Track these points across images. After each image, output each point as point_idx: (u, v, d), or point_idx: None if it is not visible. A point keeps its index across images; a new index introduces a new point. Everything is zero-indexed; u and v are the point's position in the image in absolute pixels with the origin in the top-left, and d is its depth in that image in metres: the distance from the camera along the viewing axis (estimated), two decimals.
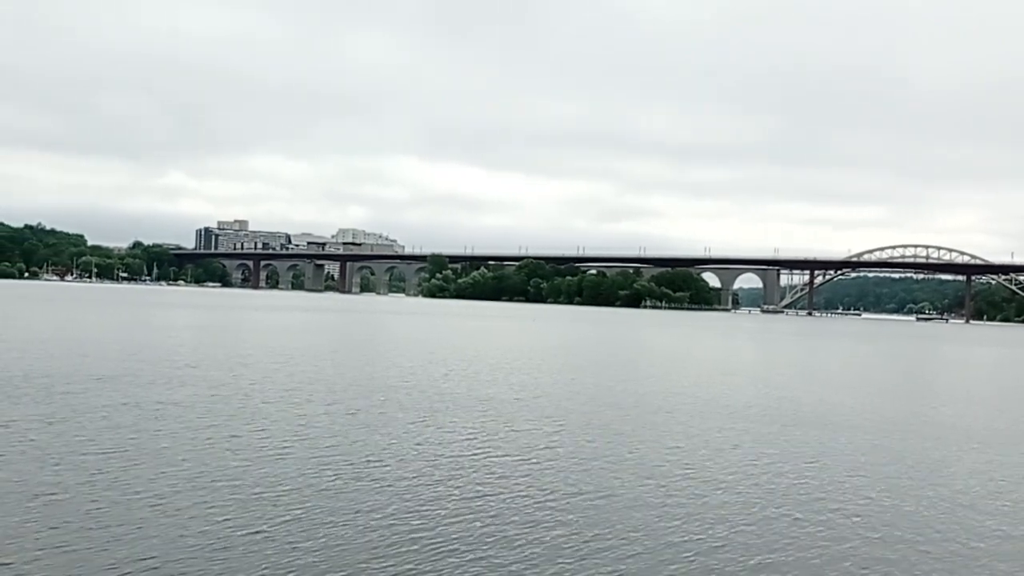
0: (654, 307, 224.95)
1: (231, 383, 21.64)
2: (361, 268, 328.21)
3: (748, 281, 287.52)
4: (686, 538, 9.69)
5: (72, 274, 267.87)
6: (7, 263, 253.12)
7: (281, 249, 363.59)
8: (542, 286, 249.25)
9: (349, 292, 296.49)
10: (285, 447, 13.63)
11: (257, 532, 9.10)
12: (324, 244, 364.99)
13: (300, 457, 12.94)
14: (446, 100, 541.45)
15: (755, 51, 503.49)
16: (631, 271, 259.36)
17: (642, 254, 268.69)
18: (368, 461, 12.90)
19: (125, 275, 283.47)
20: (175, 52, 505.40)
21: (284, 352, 33.19)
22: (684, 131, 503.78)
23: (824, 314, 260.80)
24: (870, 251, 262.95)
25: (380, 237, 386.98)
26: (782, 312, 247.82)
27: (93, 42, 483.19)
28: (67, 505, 9.71)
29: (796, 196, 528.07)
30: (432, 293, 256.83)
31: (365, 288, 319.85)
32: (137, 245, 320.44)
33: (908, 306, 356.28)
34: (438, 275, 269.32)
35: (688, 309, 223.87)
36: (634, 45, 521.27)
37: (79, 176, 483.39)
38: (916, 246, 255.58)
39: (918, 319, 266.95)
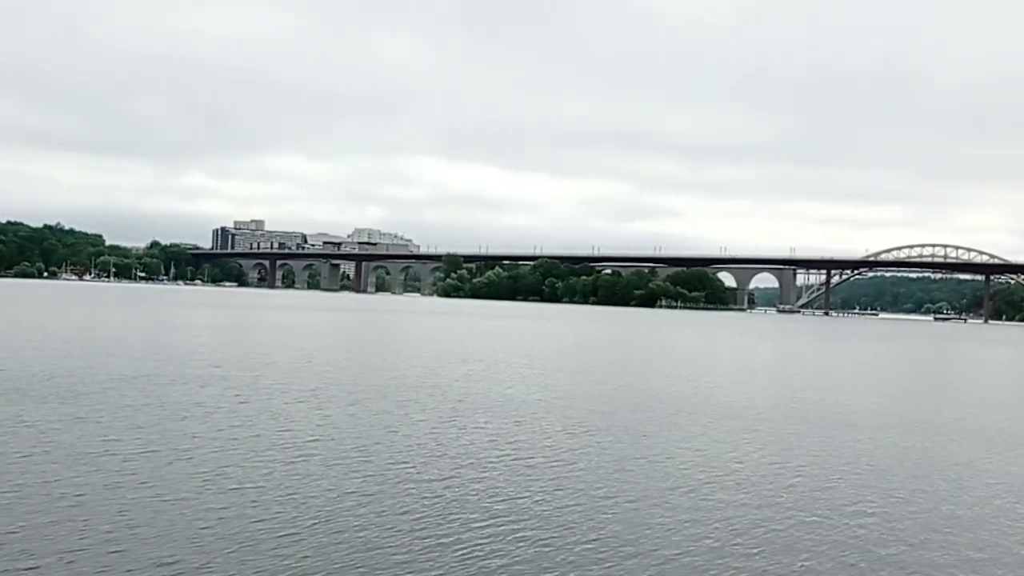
0: (669, 307, 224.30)
1: (254, 383, 21.75)
2: (376, 268, 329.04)
3: (764, 281, 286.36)
4: (719, 541, 9.64)
5: (90, 274, 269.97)
6: (27, 263, 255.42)
7: (297, 249, 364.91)
8: (557, 286, 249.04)
9: (364, 292, 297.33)
10: (310, 448, 13.68)
11: (286, 535, 9.13)
12: (340, 244, 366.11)
13: (326, 458, 12.98)
14: (468, 100, 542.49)
15: (776, 51, 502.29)
16: (646, 271, 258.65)
17: (657, 254, 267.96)
18: (394, 463, 12.93)
19: (143, 275, 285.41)
20: (199, 53, 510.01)
21: (304, 352, 33.32)
22: (704, 131, 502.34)
23: (841, 314, 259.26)
24: (887, 251, 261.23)
25: (395, 237, 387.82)
26: (798, 312, 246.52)
27: (117, 44, 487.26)
28: (93, 506, 9.77)
29: (814, 196, 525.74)
30: (447, 293, 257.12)
31: (380, 288, 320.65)
32: (155, 245, 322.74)
33: (926, 306, 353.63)
34: (453, 275, 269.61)
35: (704, 309, 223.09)
36: (658, 46, 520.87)
37: (100, 176, 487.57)
38: (934, 245, 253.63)
39: (936, 319, 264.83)
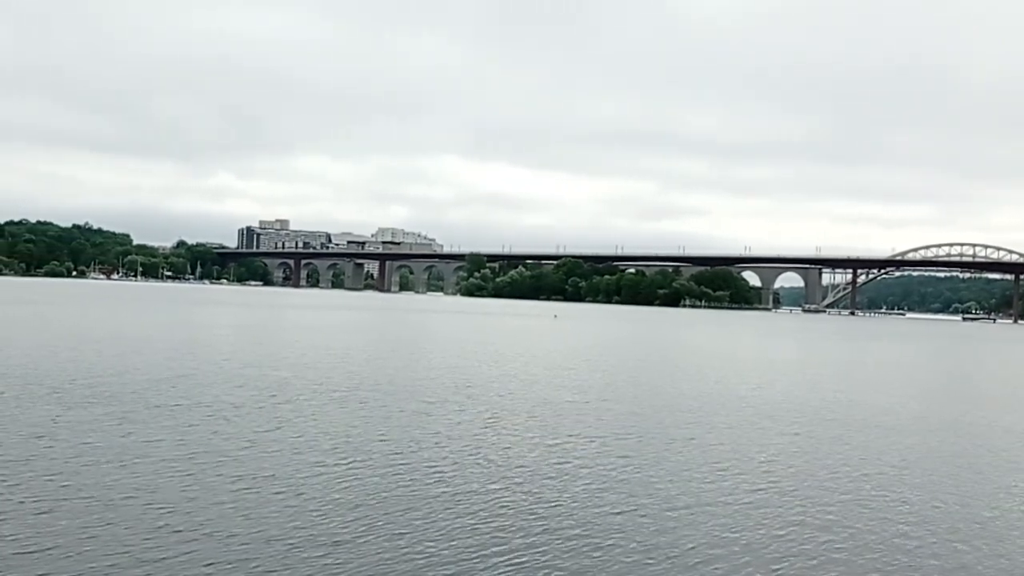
0: (693, 306, 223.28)
1: (289, 383, 21.92)
2: (400, 267, 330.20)
3: (789, 280, 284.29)
4: (758, 545, 9.64)
5: (118, 273, 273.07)
6: (56, 262, 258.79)
7: (321, 248, 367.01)
8: (580, 285, 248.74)
9: (388, 291, 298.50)
10: (350, 450, 13.78)
11: (331, 539, 9.22)
12: (364, 243, 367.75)
13: (364, 460, 13.07)
14: (494, 100, 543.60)
15: (804, 50, 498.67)
16: (670, 270, 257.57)
17: (681, 253, 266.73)
18: (433, 465, 12.98)
19: (169, 274, 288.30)
20: (226, 54, 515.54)
21: (336, 352, 33.53)
22: (730, 130, 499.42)
23: (867, 314, 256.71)
24: (914, 250, 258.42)
25: (419, 236, 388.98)
26: (824, 312, 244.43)
27: (146, 46, 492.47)
28: (133, 508, 9.92)
29: (841, 195, 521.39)
30: (470, 292, 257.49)
31: (404, 287, 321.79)
32: (181, 244, 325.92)
33: (954, 306, 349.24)
34: (476, 274, 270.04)
35: (728, 308, 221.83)
36: (684, 45, 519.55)
37: (128, 177, 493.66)
38: (962, 244, 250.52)
39: (964, 319, 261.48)
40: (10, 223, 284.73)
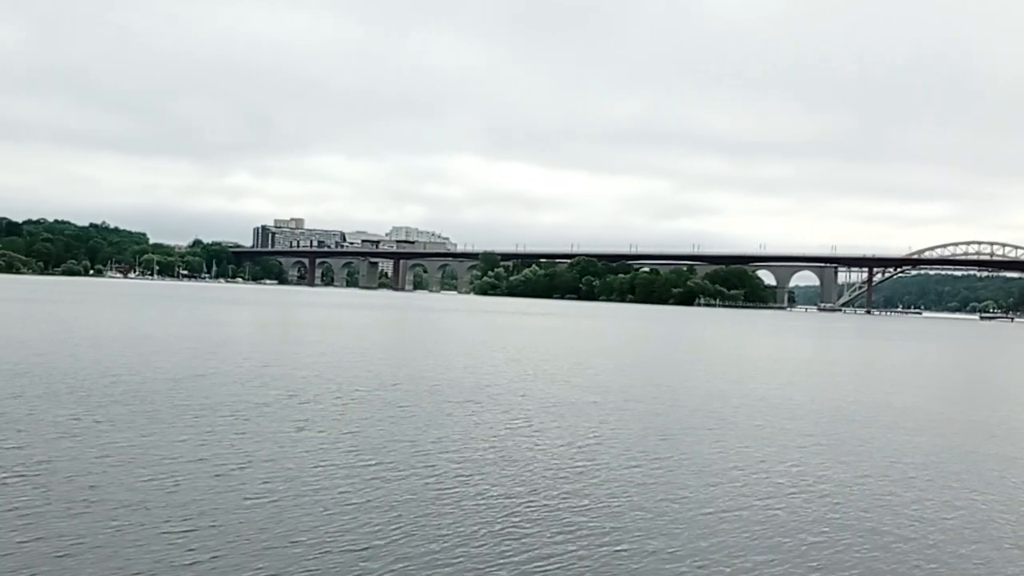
0: (708, 305, 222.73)
1: (312, 382, 21.88)
2: (414, 266, 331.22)
3: (804, 279, 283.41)
4: (786, 548, 9.52)
5: (135, 271, 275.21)
6: (73, 261, 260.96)
7: (336, 247, 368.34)
8: (594, 284, 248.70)
9: (402, 289, 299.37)
10: (373, 449, 13.72)
11: (359, 542, 9.18)
12: (378, 242, 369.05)
13: (388, 461, 13.00)
14: (511, 100, 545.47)
15: (823, 47, 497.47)
16: (684, 269, 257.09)
17: (696, 251, 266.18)
18: (458, 468, 12.90)
19: (185, 273, 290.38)
20: (244, 56, 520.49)
21: (357, 350, 33.52)
22: (748, 129, 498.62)
23: (883, 312, 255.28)
24: (931, 248, 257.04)
25: (433, 235, 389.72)
26: (839, 310, 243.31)
27: (166, 47, 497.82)
28: (164, 510, 9.90)
29: (859, 193, 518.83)
30: (484, 291, 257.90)
31: (418, 285, 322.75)
32: (197, 243, 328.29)
33: (971, 305, 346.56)
34: (489, 273, 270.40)
35: (743, 307, 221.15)
36: (703, 43, 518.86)
37: (146, 176, 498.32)
38: (980, 243, 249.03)
39: (982, 318, 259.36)
40: (28, 222, 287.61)
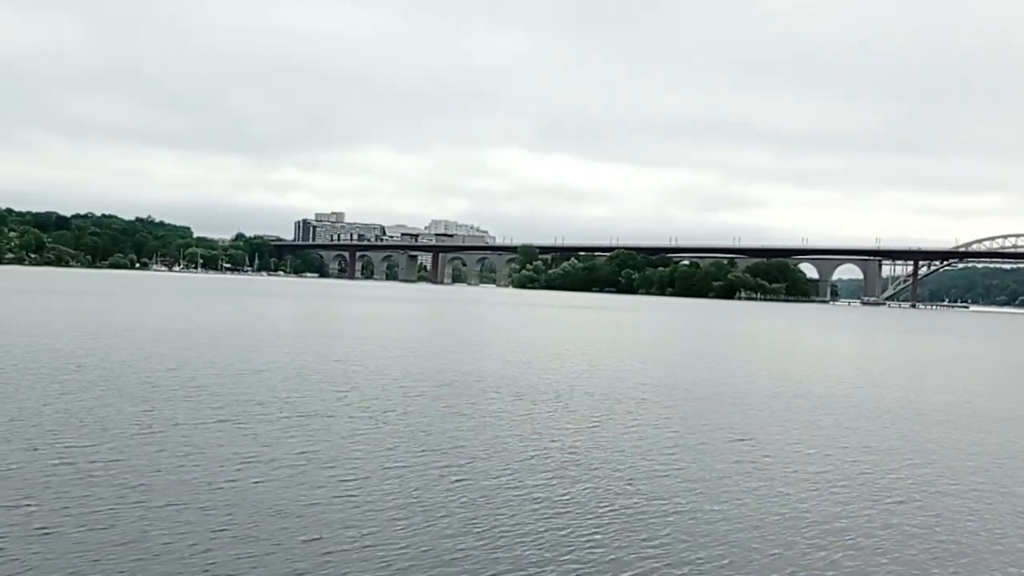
0: (748, 298, 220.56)
1: (372, 379, 22.40)
2: (453, 259, 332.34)
3: (848, 272, 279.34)
4: (830, 546, 9.71)
5: (179, 265, 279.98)
6: (119, 254, 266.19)
7: (376, 240, 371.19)
8: (633, 277, 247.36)
9: (441, 283, 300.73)
10: (430, 444, 14.12)
11: (423, 549, 9.55)
12: (417, 235, 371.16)
13: (431, 456, 13.39)
14: (559, 92, 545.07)
15: (876, 38, 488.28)
16: (725, 262, 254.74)
17: (737, 244, 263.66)
18: (531, 471, 13.25)
19: (228, 266, 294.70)
20: (295, 52, 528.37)
21: (406, 345, 33.93)
22: (801, 120, 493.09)
23: (929, 306, 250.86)
24: (979, 240, 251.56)
25: (472, 228, 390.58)
26: (883, 304, 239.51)
27: (219, 44, 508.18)
28: (237, 509, 10.34)
29: (910, 184, 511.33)
30: (522, 284, 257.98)
31: (457, 279, 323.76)
32: (240, 237, 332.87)
33: (1020, 298, 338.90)
34: (528, 266, 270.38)
35: (784, 301, 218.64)
36: (754, 35, 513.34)
37: (195, 171, 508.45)
38: None
39: None
40: (76, 216, 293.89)
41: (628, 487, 11.79)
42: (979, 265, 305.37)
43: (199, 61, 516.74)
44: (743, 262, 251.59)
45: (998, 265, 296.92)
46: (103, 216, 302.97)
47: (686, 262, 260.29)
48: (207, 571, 7.94)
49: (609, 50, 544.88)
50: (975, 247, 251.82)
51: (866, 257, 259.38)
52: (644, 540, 9.46)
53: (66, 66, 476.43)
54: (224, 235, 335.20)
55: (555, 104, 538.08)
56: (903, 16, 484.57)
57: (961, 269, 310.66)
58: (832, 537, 9.94)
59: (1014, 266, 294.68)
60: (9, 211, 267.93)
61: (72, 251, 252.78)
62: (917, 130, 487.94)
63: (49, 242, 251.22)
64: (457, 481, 11.60)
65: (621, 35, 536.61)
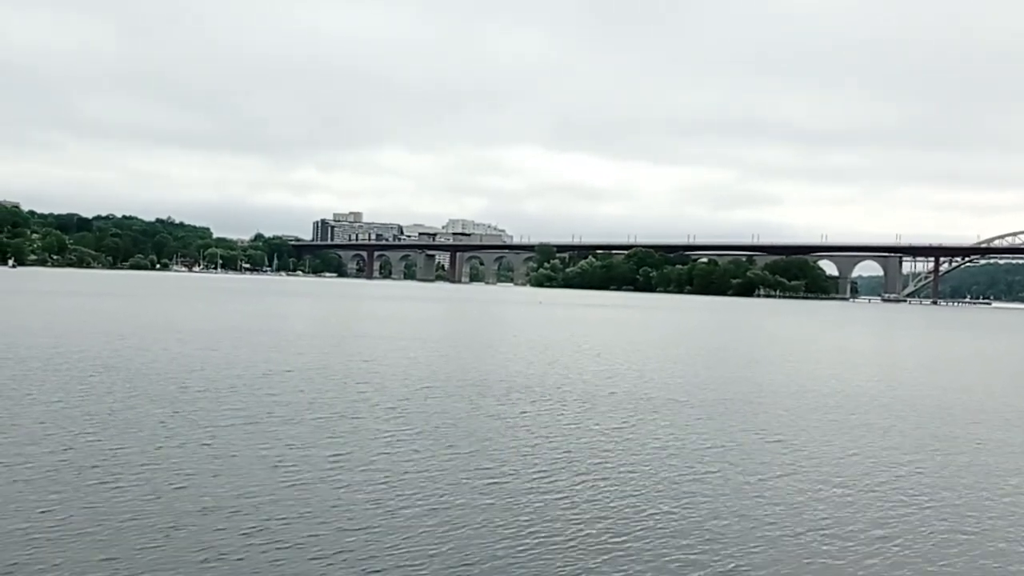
0: (767, 296, 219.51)
1: (400, 379, 22.40)
2: (470, 258, 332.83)
3: (867, 269, 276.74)
4: (857, 548, 9.59)
5: (199, 265, 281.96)
6: (140, 255, 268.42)
7: (393, 240, 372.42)
8: (651, 275, 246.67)
9: (459, 282, 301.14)
10: (469, 451, 14.08)
11: (455, 544, 9.50)
12: (435, 235, 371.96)
13: (482, 465, 13.33)
14: (577, 91, 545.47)
15: (901, 34, 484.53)
16: (744, 259, 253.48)
17: (756, 242, 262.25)
18: (548, 471, 13.20)
19: (247, 266, 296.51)
20: (315, 53, 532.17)
21: (432, 344, 33.95)
22: (819, 117, 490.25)
23: (950, 303, 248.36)
24: (1001, 236, 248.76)
25: (489, 227, 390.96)
26: (904, 301, 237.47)
27: (239, 46, 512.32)
28: (265, 507, 10.37)
29: (931, 181, 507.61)
30: (539, 282, 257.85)
31: (474, 278, 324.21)
32: (258, 237, 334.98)
33: None
34: (545, 264, 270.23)
35: (803, 298, 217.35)
36: (774, 32, 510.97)
37: (214, 172, 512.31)
38: None
39: None
40: (97, 218, 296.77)
41: (662, 490, 11.68)
42: (1001, 261, 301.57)
43: (220, 62, 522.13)
44: (762, 260, 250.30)
45: (1020, 261, 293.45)
46: (124, 217, 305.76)
47: (704, 260, 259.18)
48: (237, 571, 7.93)
49: (625, 48, 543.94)
50: (997, 243, 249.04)
51: (886, 254, 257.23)
52: (685, 543, 9.36)
53: (90, 68, 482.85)
54: (243, 235, 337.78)
55: (572, 103, 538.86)
56: (922, 12, 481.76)
57: (983, 265, 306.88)
58: (879, 544, 9.77)
59: None
60: (32, 213, 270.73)
61: (93, 252, 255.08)
62: (937, 126, 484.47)
63: (71, 244, 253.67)
64: (488, 483, 11.55)
65: (637, 33, 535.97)
